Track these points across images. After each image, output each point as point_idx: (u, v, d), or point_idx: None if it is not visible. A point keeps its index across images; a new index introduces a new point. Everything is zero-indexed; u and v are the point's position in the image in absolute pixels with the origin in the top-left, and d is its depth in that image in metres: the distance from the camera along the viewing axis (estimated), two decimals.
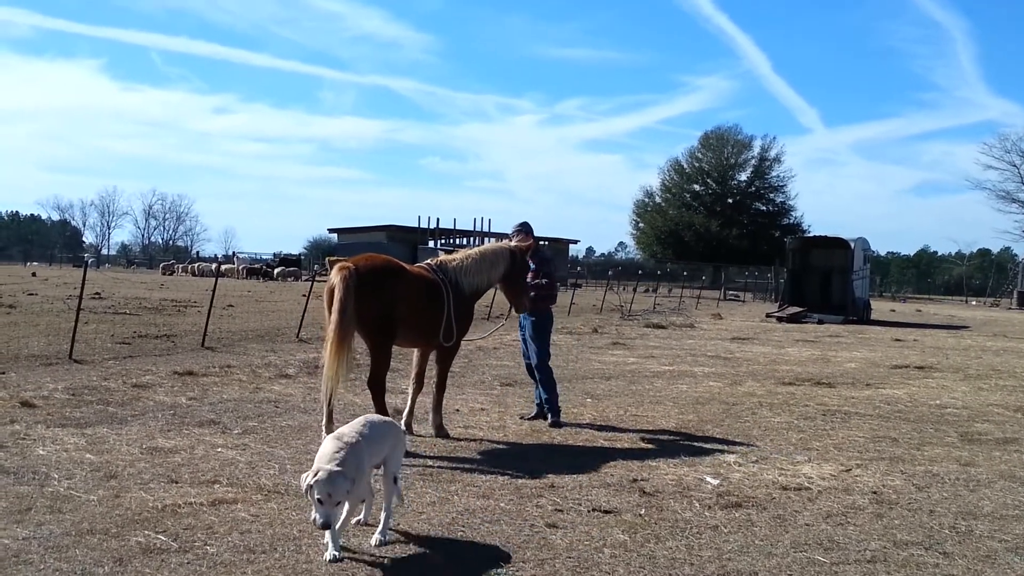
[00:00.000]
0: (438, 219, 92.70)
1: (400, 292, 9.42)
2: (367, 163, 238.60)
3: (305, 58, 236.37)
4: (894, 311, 51.63)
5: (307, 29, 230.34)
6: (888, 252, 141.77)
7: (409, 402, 10.33)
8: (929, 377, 17.25)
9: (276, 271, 72.48)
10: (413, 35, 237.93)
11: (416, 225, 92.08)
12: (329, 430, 9.31)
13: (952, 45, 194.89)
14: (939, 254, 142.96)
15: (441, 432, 10.00)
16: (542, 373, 11.33)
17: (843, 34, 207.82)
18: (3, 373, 12.81)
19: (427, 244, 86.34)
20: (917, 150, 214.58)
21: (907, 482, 8.50)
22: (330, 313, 9.14)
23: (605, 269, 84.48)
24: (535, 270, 11.32)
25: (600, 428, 10.82)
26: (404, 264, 9.90)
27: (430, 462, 8.67)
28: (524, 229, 11.31)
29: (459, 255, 10.51)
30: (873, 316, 40.52)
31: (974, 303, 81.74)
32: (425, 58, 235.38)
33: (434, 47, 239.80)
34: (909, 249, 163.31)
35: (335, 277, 9.11)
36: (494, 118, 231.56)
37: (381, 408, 9.30)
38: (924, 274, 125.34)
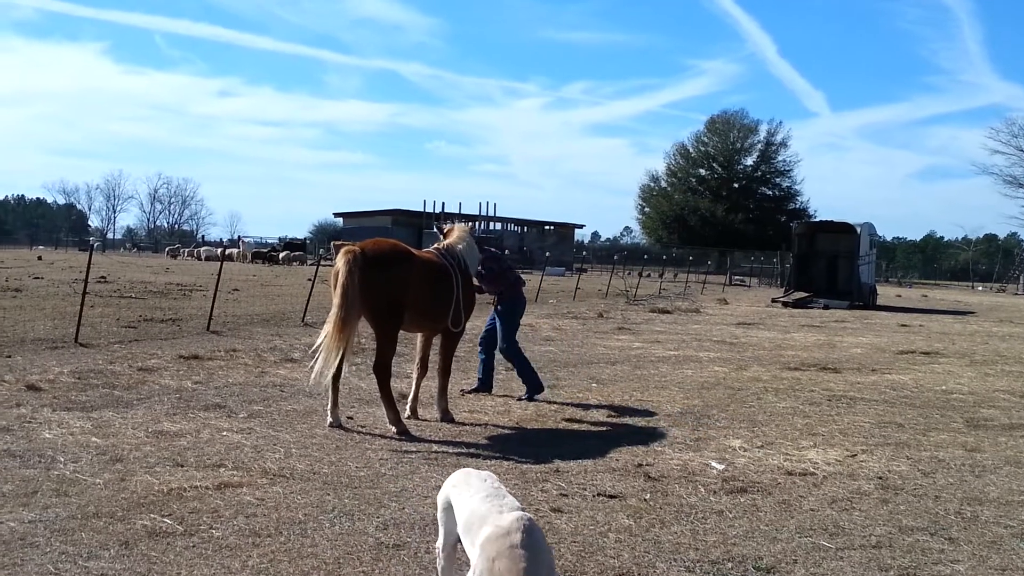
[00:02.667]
0: (443, 203, 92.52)
1: (408, 277, 9.39)
2: (372, 147, 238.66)
3: (309, 41, 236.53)
4: (900, 296, 51.53)
5: (310, 12, 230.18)
6: (894, 237, 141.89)
7: (413, 387, 10.35)
8: (935, 363, 17.22)
9: (281, 255, 72.36)
10: (417, 18, 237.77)
11: (422, 209, 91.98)
12: (334, 416, 9.33)
13: (958, 28, 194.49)
14: (945, 239, 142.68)
15: (447, 416, 10.00)
16: (509, 356, 11.79)
17: (849, 17, 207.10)
18: (9, 357, 12.83)
19: (432, 229, 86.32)
20: (923, 134, 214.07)
21: (913, 468, 8.49)
22: (333, 296, 9.16)
23: (610, 254, 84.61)
24: (486, 266, 11.63)
25: (605, 413, 10.81)
26: (412, 249, 9.90)
27: (435, 447, 8.68)
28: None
29: (454, 238, 10.55)
30: (879, 301, 40.41)
31: (980, 289, 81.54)
32: (430, 41, 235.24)
33: (439, 30, 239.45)
34: (915, 234, 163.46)
35: (340, 261, 9.10)
36: (499, 102, 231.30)
37: (387, 393, 9.28)
38: (930, 259, 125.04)
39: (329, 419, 9.34)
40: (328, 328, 9.01)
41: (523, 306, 12.22)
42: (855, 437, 9.84)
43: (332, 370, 9.08)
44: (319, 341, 9.10)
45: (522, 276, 12.58)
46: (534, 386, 11.65)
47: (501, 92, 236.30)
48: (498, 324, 11.84)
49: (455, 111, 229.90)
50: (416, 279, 9.49)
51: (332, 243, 71.24)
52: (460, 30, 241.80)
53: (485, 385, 11.94)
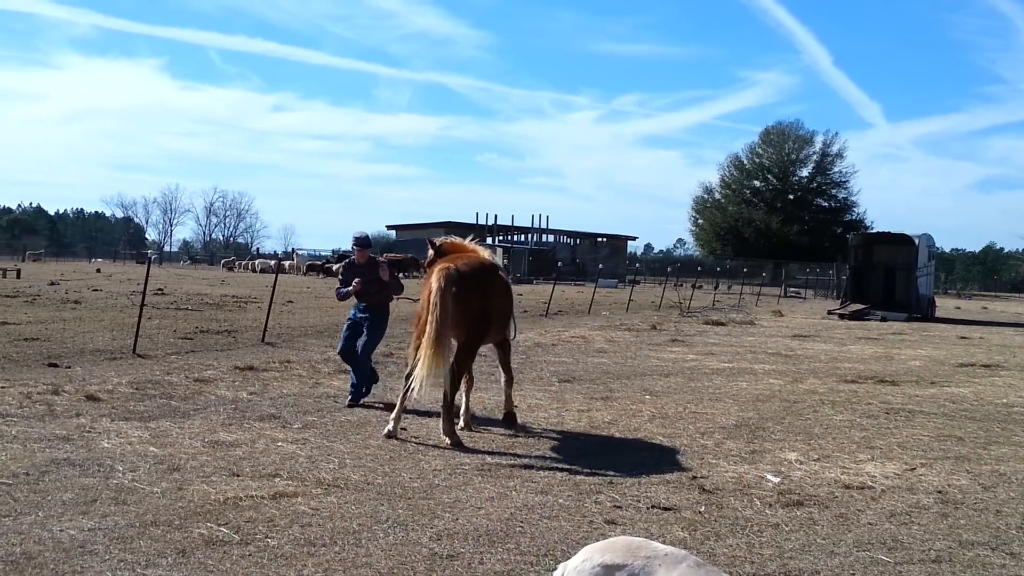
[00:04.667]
0: (496, 216, 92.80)
1: (494, 292, 9.85)
2: (424, 160, 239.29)
3: (361, 56, 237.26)
4: (959, 308, 50.73)
5: (362, 27, 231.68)
6: (953, 249, 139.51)
7: (464, 399, 10.37)
8: (996, 375, 16.91)
9: (335, 267, 72.95)
10: (467, 31, 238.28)
11: (474, 222, 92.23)
12: (394, 426, 9.40)
13: (1018, 37, 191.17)
14: (1005, 251, 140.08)
15: (512, 423, 10.20)
16: (364, 359, 11.64)
17: (905, 26, 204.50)
18: (69, 367, 13.06)
19: (485, 241, 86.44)
20: (982, 145, 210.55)
21: (973, 481, 8.34)
22: (426, 313, 9.26)
23: (664, 266, 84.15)
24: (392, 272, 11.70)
25: (659, 424, 10.75)
26: (495, 263, 10.28)
27: (488, 458, 8.67)
28: (361, 244, 11.72)
29: (486, 253, 10.70)
30: (938, 314, 39.85)
31: None
32: (480, 54, 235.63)
33: (489, 43, 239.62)
34: (974, 246, 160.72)
35: (434, 279, 9.29)
36: (550, 114, 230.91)
37: (449, 404, 9.33)
38: (990, 271, 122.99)
39: (388, 427, 9.41)
40: (423, 345, 9.11)
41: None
42: (914, 450, 9.68)
43: (427, 384, 9.18)
44: (416, 360, 9.22)
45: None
46: (368, 387, 11.72)
47: (552, 105, 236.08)
48: (372, 331, 11.68)
49: (506, 124, 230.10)
50: (498, 294, 9.94)
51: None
52: (510, 43, 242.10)
53: (360, 392, 11.66)
